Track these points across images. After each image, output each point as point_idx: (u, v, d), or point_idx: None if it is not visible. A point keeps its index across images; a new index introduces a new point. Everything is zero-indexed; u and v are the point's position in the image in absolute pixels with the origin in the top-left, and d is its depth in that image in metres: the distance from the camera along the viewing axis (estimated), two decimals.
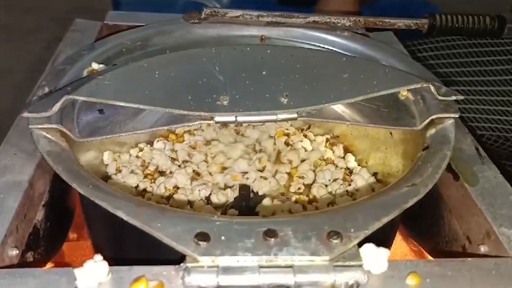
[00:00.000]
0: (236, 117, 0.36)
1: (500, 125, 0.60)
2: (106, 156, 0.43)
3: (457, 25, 0.51)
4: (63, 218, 0.40)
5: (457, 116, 0.38)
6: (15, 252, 0.29)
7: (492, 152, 0.62)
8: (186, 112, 0.35)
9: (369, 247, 0.27)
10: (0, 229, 0.28)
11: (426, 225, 0.40)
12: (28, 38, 1.77)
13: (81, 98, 0.35)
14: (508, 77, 0.61)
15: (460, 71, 0.65)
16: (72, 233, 0.45)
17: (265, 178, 0.45)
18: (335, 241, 0.27)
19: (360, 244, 0.27)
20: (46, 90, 0.37)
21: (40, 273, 0.26)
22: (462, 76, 0.63)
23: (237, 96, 0.36)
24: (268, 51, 0.42)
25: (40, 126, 0.33)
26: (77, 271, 0.25)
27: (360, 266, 0.26)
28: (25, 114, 0.33)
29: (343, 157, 0.48)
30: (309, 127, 0.52)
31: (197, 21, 0.49)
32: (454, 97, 0.38)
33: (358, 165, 0.47)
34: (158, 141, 0.48)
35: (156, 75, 0.38)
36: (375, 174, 0.45)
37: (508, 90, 0.61)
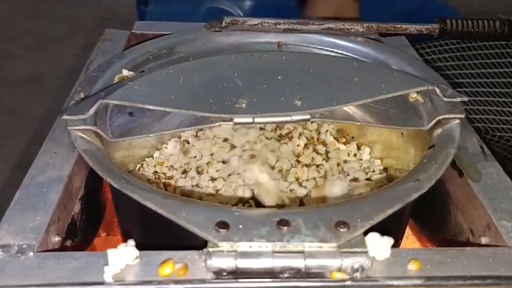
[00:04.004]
0: (253, 118, 0.39)
1: (501, 125, 0.61)
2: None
3: (467, 30, 0.53)
4: (96, 212, 0.44)
5: (462, 116, 0.40)
6: (57, 238, 0.33)
7: (506, 152, 0.63)
8: (207, 114, 0.38)
9: (374, 236, 0.30)
10: (44, 217, 0.32)
11: (435, 220, 0.43)
12: (56, 45, 1.85)
13: (114, 102, 0.38)
14: (507, 79, 0.63)
15: (474, 72, 0.66)
16: (102, 232, 0.49)
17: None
18: (342, 230, 0.29)
19: (366, 234, 0.30)
20: (82, 95, 0.41)
21: (80, 255, 0.29)
22: (474, 78, 0.65)
23: (254, 99, 0.39)
24: (284, 57, 0.45)
25: (77, 128, 0.37)
26: (109, 251, 0.28)
27: (365, 252, 0.29)
28: (64, 117, 0.37)
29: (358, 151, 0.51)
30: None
31: (218, 29, 0.53)
32: (459, 99, 0.40)
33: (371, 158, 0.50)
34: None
35: (181, 81, 0.41)
36: (386, 170, 0.48)
37: (505, 91, 0.63)
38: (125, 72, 0.45)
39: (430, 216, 0.43)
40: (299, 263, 0.28)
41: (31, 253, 0.29)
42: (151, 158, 0.49)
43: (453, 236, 0.39)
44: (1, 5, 2.08)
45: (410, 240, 0.48)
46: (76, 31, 1.90)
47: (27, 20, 2.00)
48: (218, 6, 1.00)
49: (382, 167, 0.48)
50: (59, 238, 0.33)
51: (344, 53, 0.51)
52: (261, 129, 0.51)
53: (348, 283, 0.28)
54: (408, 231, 0.47)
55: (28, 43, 1.86)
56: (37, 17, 2.01)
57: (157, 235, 0.35)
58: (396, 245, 0.40)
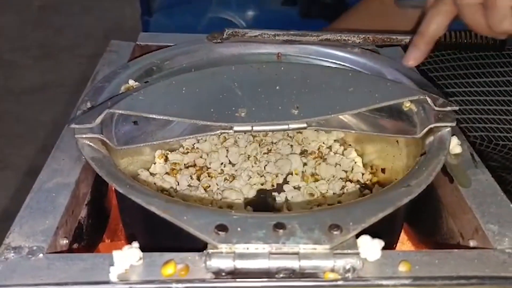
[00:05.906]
0: (252, 127, 0.40)
1: (504, 134, 0.63)
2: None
3: (460, 40, 0.55)
4: (101, 217, 0.46)
5: (453, 125, 0.41)
6: (65, 241, 0.34)
7: (508, 162, 0.64)
8: (209, 123, 0.40)
9: (365, 238, 0.31)
10: (53, 221, 0.34)
11: (429, 225, 0.44)
12: (63, 55, 1.88)
13: (120, 111, 0.40)
14: (508, 88, 0.64)
15: (471, 82, 0.68)
16: (107, 238, 0.50)
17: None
18: (335, 232, 0.31)
19: (358, 236, 0.32)
20: (89, 104, 0.43)
21: (87, 257, 0.31)
22: (477, 86, 0.66)
23: (253, 109, 0.41)
24: (282, 68, 0.46)
25: (84, 136, 0.39)
26: (115, 252, 0.30)
27: (357, 254, 0.30)
28: (72, 126, 0.39)
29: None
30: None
31: (219, 40, 0.54)
32: (449, 108, 0.42)
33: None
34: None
35: (183, 91, 0.43)
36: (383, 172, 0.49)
37: (508, 100, 0.64)
38: (131, 82, 0.47)
39: (424, 221, 0.45)
40: (294, 264, 0.30)
41: (41, 255, 0.31)
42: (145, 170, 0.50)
43: (445, 240, 0.41)
44: (8, 15, 2.11)
45: (406, 245, 0.49)
46: (81, 41, 1.93)
47: (34, 30, 2.03)
48: (221, 16, 1.02)
49: (376, 173, 0.50)
50: (67, 241, 0.35)
51: (341, 63, 0.53)
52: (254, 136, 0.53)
53: (340, 282, 0.30)
54: (404, 237, 0.48)
55: (35, 53, 1.89)
56: (44, 27, 2.05)
57: (160, 237, 0.36)
58: (390, 248, 0.41)
